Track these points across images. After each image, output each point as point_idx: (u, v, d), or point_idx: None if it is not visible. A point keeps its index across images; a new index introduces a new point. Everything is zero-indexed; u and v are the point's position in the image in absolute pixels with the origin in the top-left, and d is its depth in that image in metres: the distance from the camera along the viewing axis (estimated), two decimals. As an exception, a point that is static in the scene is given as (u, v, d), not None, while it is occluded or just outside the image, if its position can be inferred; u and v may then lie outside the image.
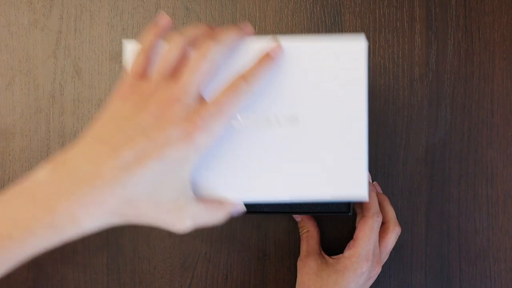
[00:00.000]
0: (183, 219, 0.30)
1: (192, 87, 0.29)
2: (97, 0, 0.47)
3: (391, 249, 0.44)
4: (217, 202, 0.32)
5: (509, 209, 0.47)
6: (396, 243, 0.46)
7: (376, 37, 0.47)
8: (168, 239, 0.47)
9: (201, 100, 0.29)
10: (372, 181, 0.46)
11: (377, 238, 0.42)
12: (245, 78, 0.30)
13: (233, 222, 0.47)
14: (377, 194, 0.44)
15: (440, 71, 0.47)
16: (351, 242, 0.42)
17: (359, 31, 0.47)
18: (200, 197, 0.32)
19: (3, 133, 0.46)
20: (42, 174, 0.28)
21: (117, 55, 0.47)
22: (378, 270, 0.42)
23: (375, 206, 0.42)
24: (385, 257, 0.43)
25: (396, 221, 0.43)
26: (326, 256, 0.43)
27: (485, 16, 0.47)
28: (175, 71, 0.30)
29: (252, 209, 0.42)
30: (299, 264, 0.43)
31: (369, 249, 0.41)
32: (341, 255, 0.42)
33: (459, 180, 0.47)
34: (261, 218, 0.47)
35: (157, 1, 0.47)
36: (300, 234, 0.45)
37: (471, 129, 0.47)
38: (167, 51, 0.30)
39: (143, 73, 0.31)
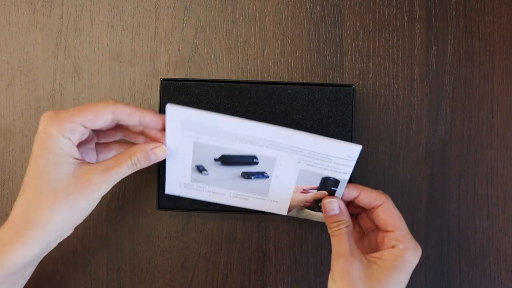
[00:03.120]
0: (93, 183, 0.34)
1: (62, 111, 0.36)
2: (97, 0, 0.47)
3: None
4: (127, 151, 0.36)
5: (509, 209, 0.47)
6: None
7: (376, 37, 0.47)
8: (168, 239, 0.47)
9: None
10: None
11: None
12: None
13: (233, 222, 0.47)
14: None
15: (440, 71, 0.47)
16: (392, 234, 0.37)
17: (359, 31, 0.47)
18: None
19: (3, 133, 0.46)
20: None
21: (117, 55, 0.47)
22: None
23: (375, 192, 0.38)
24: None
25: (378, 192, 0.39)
26: (366, 255, 0.37)
27: (485, 16, 0.47)
28: None
29: (252, 209, 0.42)
30: (345, 266, 0.35)
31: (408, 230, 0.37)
32: (391, 250, 0.36)
33: (459, 180, 0.47)
34: (261, 218, 0.47)
35: (157, 1, 0.47)
36: (336, 229, 0.37)
37: (471, 129, 0.47)
38: None
39: None
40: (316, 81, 0.47)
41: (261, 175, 0.39)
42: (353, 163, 0.37)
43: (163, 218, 0.47)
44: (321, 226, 0.47)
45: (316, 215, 0.42)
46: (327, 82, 0.47)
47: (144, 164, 0.36)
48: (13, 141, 0.46)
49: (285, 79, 0.47)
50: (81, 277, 0.47)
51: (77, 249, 0.47)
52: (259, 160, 0.37)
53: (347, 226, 0.37)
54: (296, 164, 0.37)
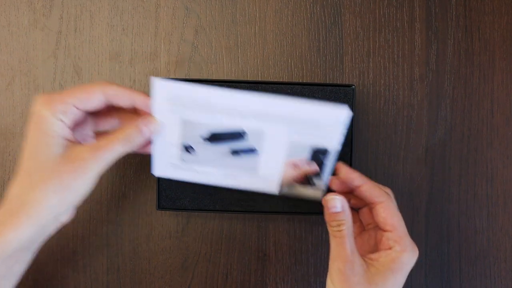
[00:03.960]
0: (84, 161, 0.34)
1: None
2: (97, 0, 0.47)
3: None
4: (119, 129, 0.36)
5: (509, 209, 0.47)
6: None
7: (376, 37, 0.47)
8: (168, 239, 0.47)
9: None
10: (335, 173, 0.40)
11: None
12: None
13: (233, 222, 0.47)
14: (345, 172, 0.39)
15: (440, 71, 0.47)
16: (390, 234, 0.37)
17: (359, 31, 0.47)
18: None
19: (3, 133, 0.46)
20: None
21: (117, 55, 0.47)
22: None
23: (379, 189, 0.38)
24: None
25: (381, 189, 0.39)
26: (365, 257, 0.37)
27: (485, 16, 0.47)
28: None
29: (253, 209, 0.42)
30: (344, 269, 0.35)
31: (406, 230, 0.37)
32: (388, 251, 0.36)
33: (459, 180, 0.47)
34: (261, 218, 0.47)
35: (157, 1, 0.47)
36: (337, 229, 0.36)
37: (471, 129, 0.47)
38: None
39: None
40: (316, 81, 0.47)
41: (250, 151, 0.38)
42: (343, 129, 0.36)
43: (163, 218, 0.47)
44: (321, 226, 0.47)
45: (308, 192, 0.41)
46: (327, 82, 0.47)
47: (137, 140, 0.36)
48: (13, 141, 0.46)
49: (285, 79, 0.47)
50: (81, 277, 0.47)
51: (77, 249, 0.47)
52: (248, 134, 0.37)
53: (348, 227, 0.36)
54: (285, 136, 0.37)
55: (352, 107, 0.42)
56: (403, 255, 0.36)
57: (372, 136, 0.47)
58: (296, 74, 0.47)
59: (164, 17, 0.47)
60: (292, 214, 0.44)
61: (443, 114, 0.47)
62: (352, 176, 0.38)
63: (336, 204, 0.37)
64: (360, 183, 0.38)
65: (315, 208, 0.42)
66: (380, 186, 0.39)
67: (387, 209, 0.37)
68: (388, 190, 0.40)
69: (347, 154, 0.42)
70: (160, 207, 0.44)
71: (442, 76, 0.47)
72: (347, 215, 0.37)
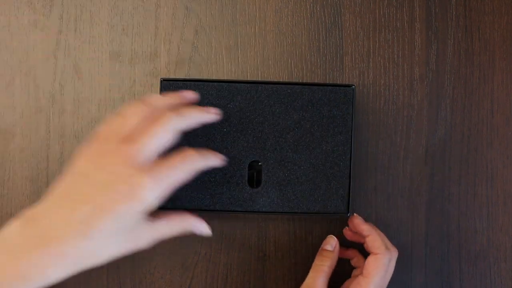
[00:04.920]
0: (141, 240, 0.34)
1: (146, 149, 0.32)
2: (97, 0, 0.47)
3: (387, 275, 0.42)
4: (177, 215, 0.36)
5: (509, 209, 0.47)
6: (397, 243, 0.46)
7: (376, 37, 0.47)
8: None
9: (155, 161, 0.33)
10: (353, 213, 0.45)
11: (389, 275, 0.41)
12: (198, 151, 0.35)
13: (233, 222, 0.47)
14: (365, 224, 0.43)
15: (440, 71, 0.47)
16: (360, 278, 0.40)
17: (359, 31, 0.47)
18: (158, 215, 0.35)
19: (3, 133, 0.46)
20: (11, 227, 0.31)
21: (117, 55, 0.47)
22: None
23: (382, 242, 0.41)
24: (385, 286, 0.42)
25: (388, 246, 0.42)
26: None
27: (485, 16, 0.47)
28: (132, 135, 0.33)
29: (252, 209, 0.42)
30: None
31: (378, 285, 0.40)
32: None
33: (459, 180, 0.47)
34: (261, 218, 0.47)
35: (157, 1, 0.47)
36: (318, 263, 0.42)
37: (471, 129, 0.47)
38: (128, 117, 0.34)
39: (108, 136, 0.34)
40: (316, 81, 0.47)
41: None
42: None
43: (163, 218, 0.47)
44: (321, 226, 0.47)
45: None
46: (327, 82, 0.47)
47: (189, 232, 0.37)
48: (13, 141, 0.46)
49: (285, 79, 0.47)
50: (81, 277, 0.47)
51: (77, 249, 0.47)
52: None
53: (328, 266, 0.41)
54: None
55: (352, 107, 0.42)
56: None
57: (372, 136, 0.47)
58: (296, 74, 0.47)
59: (164, 17, 0.47)
60: (292, 214, 0.44)
61: (443, 114, 0.47)
62: (362, 228, 0.42)
63: (331, 242, 0.43)
64: (367, 234, 0.42)
65: (315, 208, 0.42)
66: (388, 244, 0.42)
67: (376, 261, 0.40)
68: (393, 249, 0.42)
69: (347, 154, 0.42)
70: (160, 207, 0.44)
71: (442, 76, 0.47)
72: (334, 257, 0.42)
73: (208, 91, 0.42)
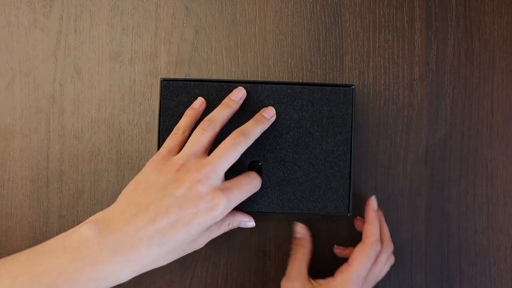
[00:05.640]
0: (198, 243, 0.37)
1: (220, 169, 0.36)
2: (97, 0, 0.47)
3: (381, 274, 0.43)
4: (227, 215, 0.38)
5: (509, 209, 0.47)
6: (396, 243, 0.46)
7: (376, 37, 0.47)
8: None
9: (222, 179, 0.36)
10: (377, 208, 0.45)
11: (371, 266, 0.41)
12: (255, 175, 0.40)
13: (233, 222, 0.47)
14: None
15: (440, 71, 0.47)
16: (344, 265, 0.41)
17: (359, 31, 0.47)
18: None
19: (3, 133, 0.46)
20: (87, 233, 0.33)
21: (117, 55, 0.47)
22: None
23: (376, 234, 0.42)
24: (373, 281, 0.42)
25: (383, 239, 0.43)
26: (313, 281, 0.42)
27: (485, 16, 0.47)
28: (205, 150, 0.37)
29: (252, 209, 0.42)
30: (286, 285, 0.42)
31: (361, 276, 0.40)
32: (331, 278, 0.41)
33: (459, 180, 0.47)
34: (261, 218, 0.47)
35: (157, 1, 0.47)
36: (292, 252, 0.43)
37: (471, 129, 0.47)
38: (200, 134, 0.37)
39: (176, 150, 0.37)
40: (316, 81, 0.47)
41: None
42: None
43: (163, 218, 0.47)
44: (321, 226, 0.47)
45: None
46: (327, 82, 0.47)
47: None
48: (13, 141, 0.46)
49: (285, 79, 0.47)
50: (81, 277, 0.47)
51: (77, 249, 0.47)
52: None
53: (302, 254, 0.43)
54: None
55: (352, 107, 0.42)
56: (338, 285, 0.40)
57: (372, 136, 0.47)
58: (296, 74, 0.47)
59: (164, 17, 0.47)
60: (292, 214, 0.44)
61: (443, 114, 0.47)
62: (369, 213, 0.43)
63: (299, 230, 0.44)
64: (367, 220, 0.43)
65: (315, 208, 0.42)
66: (385, 237, 0.43)
67: (361, 249, 0.41)
68: (387, 243, 0.43)
69: (347, 154, 0.42)
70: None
71: (442, 76, 0.47)
72: (306, 242, 0.43)
73: (208, 91, 0.42)
